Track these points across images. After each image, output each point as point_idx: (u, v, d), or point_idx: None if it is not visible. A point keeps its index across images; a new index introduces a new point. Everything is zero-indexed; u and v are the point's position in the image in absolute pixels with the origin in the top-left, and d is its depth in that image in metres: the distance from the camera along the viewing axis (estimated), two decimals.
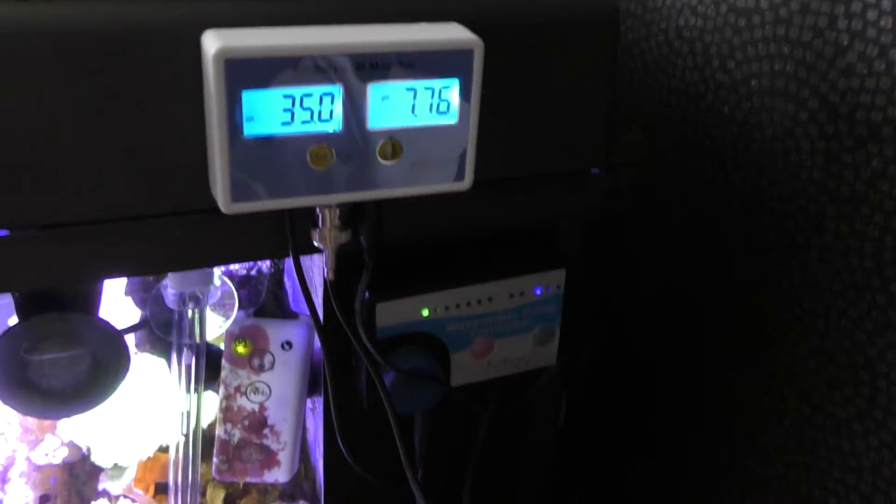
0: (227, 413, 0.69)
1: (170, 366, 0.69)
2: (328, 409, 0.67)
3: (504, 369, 0.71)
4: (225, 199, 0.52)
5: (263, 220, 0.58)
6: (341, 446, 0.65)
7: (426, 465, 0.70)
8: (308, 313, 0.69)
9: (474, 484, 0.73)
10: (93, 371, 0.60)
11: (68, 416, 0.62)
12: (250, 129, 0.50)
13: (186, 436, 0.69)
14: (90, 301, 0.61)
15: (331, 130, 0.52)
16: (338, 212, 0.57)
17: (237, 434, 0.70)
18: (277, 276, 0.71)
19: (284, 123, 0.51)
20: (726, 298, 0.87)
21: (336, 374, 0.63)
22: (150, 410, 0.80)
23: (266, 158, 0.51)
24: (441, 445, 0.71)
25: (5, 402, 0.59)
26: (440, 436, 0.70)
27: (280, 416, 0.69)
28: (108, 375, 0.61)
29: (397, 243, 0.62)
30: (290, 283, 0.72)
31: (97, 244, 0.54)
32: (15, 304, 0.58)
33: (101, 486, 0.92)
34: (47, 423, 0.89)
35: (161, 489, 0.92)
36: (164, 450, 0.88)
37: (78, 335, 0.59)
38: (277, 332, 0.68)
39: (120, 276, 0.60)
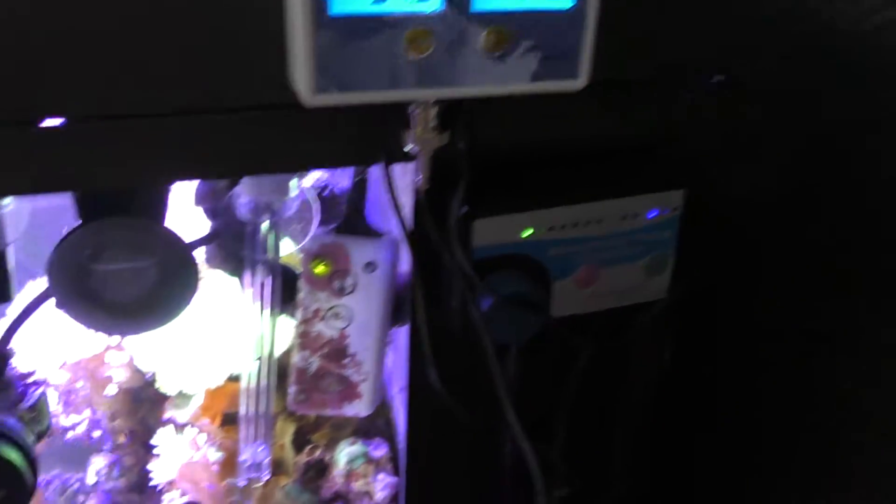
0: (305, 339, 0.64)
1: (242, 284, 0.63)
2: (415, 336, 0.61)
3: (609, 301, 0.63)
4: (307, 89, 0.46)
5: (349, 119, 0.51)
6: (433, 376, 0.58)
7: (516, 402, 0.63)
8: (392, 231, 0.63)
9: (567, 423, 0.66)
10: (159, 285, 0.54)
11: (132, 333, 0.57)
12: (337, 8, 0.44)
13: (260, 362, 0.64)
14: (156, 208, 0.55)
15: (428, 11, 0.46)
16: (435, 110, 0.50)
17: (315, 362, 0.64)
18: (360, 189, 0.64)
19: (376, 1, 0.44)
20: (858, 234, 0.77)
21: (427, 297, 0.57)
22: (220, 334, 0.75)
23: (355, 43, 0.45)
24: (534, 380, 0.64)
25: (68, 313, 0.54)
26: (533, 370, 0.63)
27: (362, 343, 0.63)
28: (174, 291, 0.56)
29: (498, 152, 0.55)
30: (375, 197, 0.66)
31: (162, 140, 0.48)
32: (76, 206, 0.53)
33: (166, 415, 0.88)
34: (111, 345, 0.85)
35: (229, 420, 0.88)
36: (233, 378, 0.83)
37: (143, 244, 0.53)
38: (360, 251, 0.61)
39: (186, 178, 0.54)
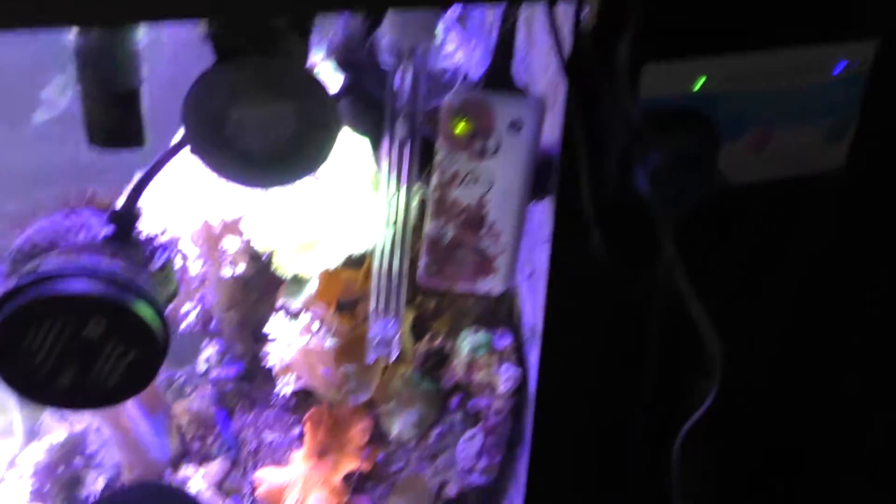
0: (440, 206, 0.59)
1: (375, 145, 0.58)
2: (561, 206, 0.56)
3: (781, 169, 0.57)
4: None
5: None
6: (596, 237, 0.53)
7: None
8: (541, 89, 0.57)
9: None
10: (297, 134, 0.50)
11: (266, 185, 0.54)
12: None
13: (394, 230, 0.59)
14: (298, 51, 0.51)
15: None
16: None
17: (450, 232, 0.60)
18: (508, 38, 0.58)
19: None
20: None
21: (586, 151, 0.51)
22: (343, 206, 0.71)
23: None
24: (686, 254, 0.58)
25: (201, 160, 0.50)
26: (687, 242, 0.57)
27: (502, 212, 0.58)
28: (314, 144, 0.51)
29: None
30: (523, 49, 0.60)
31: None
32: (212, 43, 0.48)
33: (278, 303, 0.86)
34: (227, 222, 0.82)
35: (343, 307, 0.85)
36: (352, 262, 0.80)
37: (284, 88, 0.49)
38: (506, 108, 0.56)
39: (333, 8, 0.49)
